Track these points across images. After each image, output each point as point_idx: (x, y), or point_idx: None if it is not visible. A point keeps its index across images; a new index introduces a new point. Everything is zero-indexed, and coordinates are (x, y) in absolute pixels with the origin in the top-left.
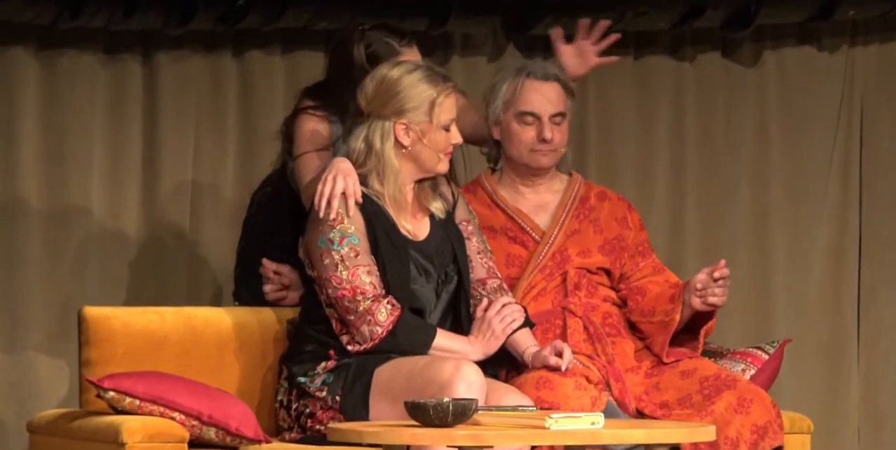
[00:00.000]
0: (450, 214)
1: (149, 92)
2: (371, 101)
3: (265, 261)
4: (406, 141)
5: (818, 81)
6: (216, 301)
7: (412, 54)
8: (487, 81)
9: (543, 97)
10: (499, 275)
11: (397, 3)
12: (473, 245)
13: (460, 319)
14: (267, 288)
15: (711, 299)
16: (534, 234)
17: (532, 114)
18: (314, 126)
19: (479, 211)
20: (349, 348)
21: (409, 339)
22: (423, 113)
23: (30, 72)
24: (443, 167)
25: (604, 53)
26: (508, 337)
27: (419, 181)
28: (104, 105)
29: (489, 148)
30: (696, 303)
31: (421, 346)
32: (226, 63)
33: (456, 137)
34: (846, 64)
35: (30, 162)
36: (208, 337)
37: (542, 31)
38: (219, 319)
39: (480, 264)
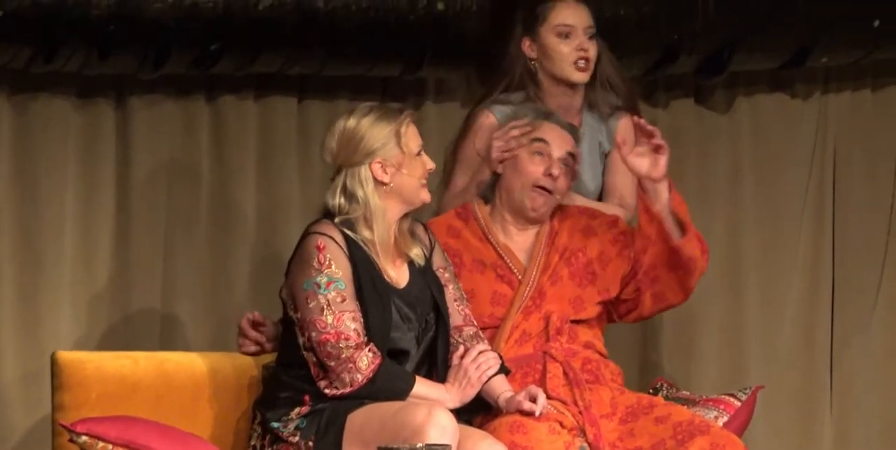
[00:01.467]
0: (427, 259)
1: (122, 136)
2: (338, 154)
3: (256, 314)
4: (385, 177)
5: (791, 128)
6: (189, 346)
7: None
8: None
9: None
10: (474, 322)
11: (371, 48)
12: (450, 293)
13: (436, 367)
14: (241, 343)
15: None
16: (518, 274)
17: (543, 140)
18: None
19: (470, 242)
20: (327, 391)
21: (388, 386)
22: (392, 146)
23: (2, 116)
24: (425, 196)
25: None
26: (484, 384)
27: (401, 219)
28: (77, 149)
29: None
30: (644, 189)
31: (399, 393)
32: (199, 108)
33: (429, 162)
34: (819, 111)
35: (2, 205)
36: (181, 382)
37: None
38: (192, 363)
39: (457, 312)
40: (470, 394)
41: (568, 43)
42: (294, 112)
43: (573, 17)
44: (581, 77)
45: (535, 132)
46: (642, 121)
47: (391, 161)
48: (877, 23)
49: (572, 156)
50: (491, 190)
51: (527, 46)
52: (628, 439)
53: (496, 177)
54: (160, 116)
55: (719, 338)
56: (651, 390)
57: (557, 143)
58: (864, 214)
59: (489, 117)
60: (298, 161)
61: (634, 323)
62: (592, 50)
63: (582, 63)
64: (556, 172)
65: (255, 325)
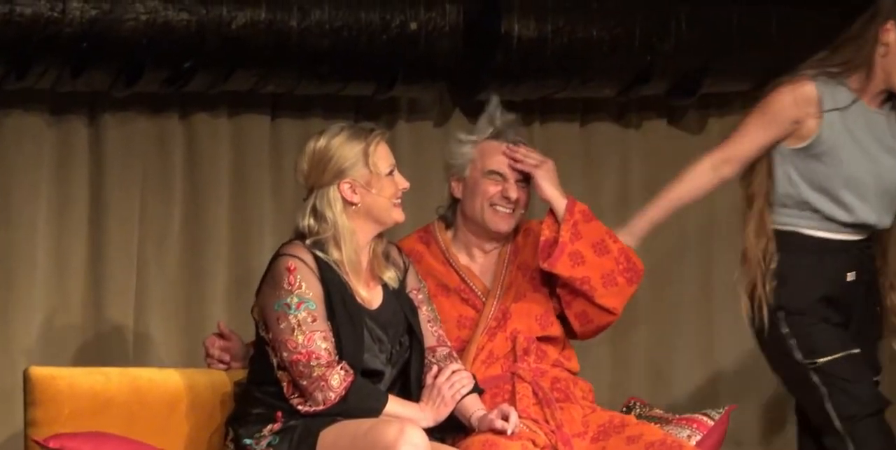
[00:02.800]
0: (401, 282)
1: (94, 153)
2: (309, 175)
3: (221, 325)
4: (355, 198)
5: None
6: (162, 361)
7: None
8: (434, 146)
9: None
10: (448, 343)
11: (344, 67)
12: (424, 314)
13: (409, 387)
14: (207, 361)
15: None
16: (481, 296)
17: (499, 173)
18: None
19: (433, 266)
20: (300, 408)
21: (360, 405)
22: (361, 166)
23: None
24: (397, 215)
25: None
26: (457, 403)
27: (376, 239)
28: (50, 166)
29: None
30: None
31: (372, 411)
32: (172, 125)
33: (403, 182)
34: None
35: None
36: (154, 397)
37: (488, 96)
38: (165, 379)
39: (431, 333)
40: (444, 413)
41: None
42: (267, 130)
43: None
44: None
45: (488, 164)
46: None
47: (360, 181)
48: None
49: (524, 175)
50: (452, 213)
51: (886, 32)
52: None
53: (455, 201)
54: (133, 134)
55: (692, 356)
56: (623, 409)
57: (510, 171)
58: None
59: (811, 88)
60: (271, 179)
61: (592, 338)
62: None
63: None
64: (513, 195)
65: (222, 336)
